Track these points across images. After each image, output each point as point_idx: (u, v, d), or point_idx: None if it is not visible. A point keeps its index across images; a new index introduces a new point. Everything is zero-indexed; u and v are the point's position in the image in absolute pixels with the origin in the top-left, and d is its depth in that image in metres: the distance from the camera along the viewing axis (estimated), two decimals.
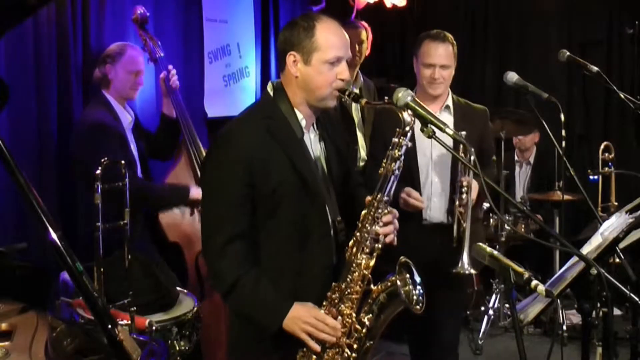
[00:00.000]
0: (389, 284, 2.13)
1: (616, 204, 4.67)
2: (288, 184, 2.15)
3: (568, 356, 2.30)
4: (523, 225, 5.16)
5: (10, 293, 2.15)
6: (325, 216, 2.22)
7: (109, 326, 1.35)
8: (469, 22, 6.55)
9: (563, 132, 3.10)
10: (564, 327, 4.23)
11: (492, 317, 4.86)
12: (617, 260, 2.42)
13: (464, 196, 2.90)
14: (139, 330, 2.63)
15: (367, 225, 2.13)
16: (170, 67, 3.67)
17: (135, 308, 2.70)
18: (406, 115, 2.08)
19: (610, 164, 4.72)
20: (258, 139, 2.14)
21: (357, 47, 4.39)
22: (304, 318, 2.10)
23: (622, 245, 2.24)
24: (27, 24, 3.26)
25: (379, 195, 2.12)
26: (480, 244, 1.99)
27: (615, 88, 2.97)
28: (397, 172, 2.12)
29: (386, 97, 2.13)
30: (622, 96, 2.92)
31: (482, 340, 4.66)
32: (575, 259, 2.18)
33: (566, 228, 5.03)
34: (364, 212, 2.15)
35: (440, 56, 3.05)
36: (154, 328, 2.69)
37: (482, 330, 4.73)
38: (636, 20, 5.67)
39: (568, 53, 3.08)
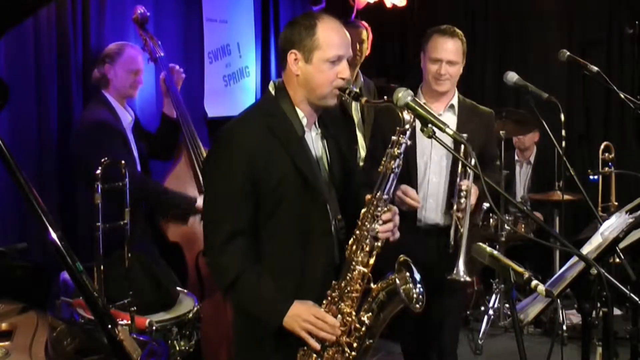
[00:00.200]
0: (389, 282, 2.13)
1: (616, 204, 4.65)
2: (289, 181, 2.15)
3: (568, 356, 2.31)
4: (523, 225, 5.15)
5: (10, 293, 2.14)
6: (326, 214, 2.22)
7: (109, 326, 1.35)
8: (469, 22, 6.54)
9: (563, 132, 3.10)
10: (564, 327, 4.24)
11: (492, 317, 4.85)
12: (617, 260, 2.42)
13: (462, 201, 2.81)
14: (139, 330, 2.64)
15: (366, 223, 2.13)
16: (172, 65, 3.67)
17: (135, 308, 2.70)
18: (406, 114, 2.09)
19: (610, 164, 4.71)
20: (259, 137, 2.15)
21: (357, 46, 4.39)
22: (303, 316, 2.11)
23: (622, 245, 2.23)
24: (27, 24, 3.25)
25: (378, 194, 2.13)
26: (480, 243, 1.98)
27: (615, 88, 2.97)
28: (396, 170, 2.13)
29: (386, 97, 2.12)
30: (622, 96, 2.92)
31: (482, 340, 4.65)
32: (575, 258, 2.18)
33: (566, 228, 5.02)
34: (363, 210, 2.15)
35: (447, 51, 2.97)
36: (154, 328, 2.70)
37: (482, 330, 4.72)
38: (636, 20, 5.66)
39: (568, 53, 3.08)
